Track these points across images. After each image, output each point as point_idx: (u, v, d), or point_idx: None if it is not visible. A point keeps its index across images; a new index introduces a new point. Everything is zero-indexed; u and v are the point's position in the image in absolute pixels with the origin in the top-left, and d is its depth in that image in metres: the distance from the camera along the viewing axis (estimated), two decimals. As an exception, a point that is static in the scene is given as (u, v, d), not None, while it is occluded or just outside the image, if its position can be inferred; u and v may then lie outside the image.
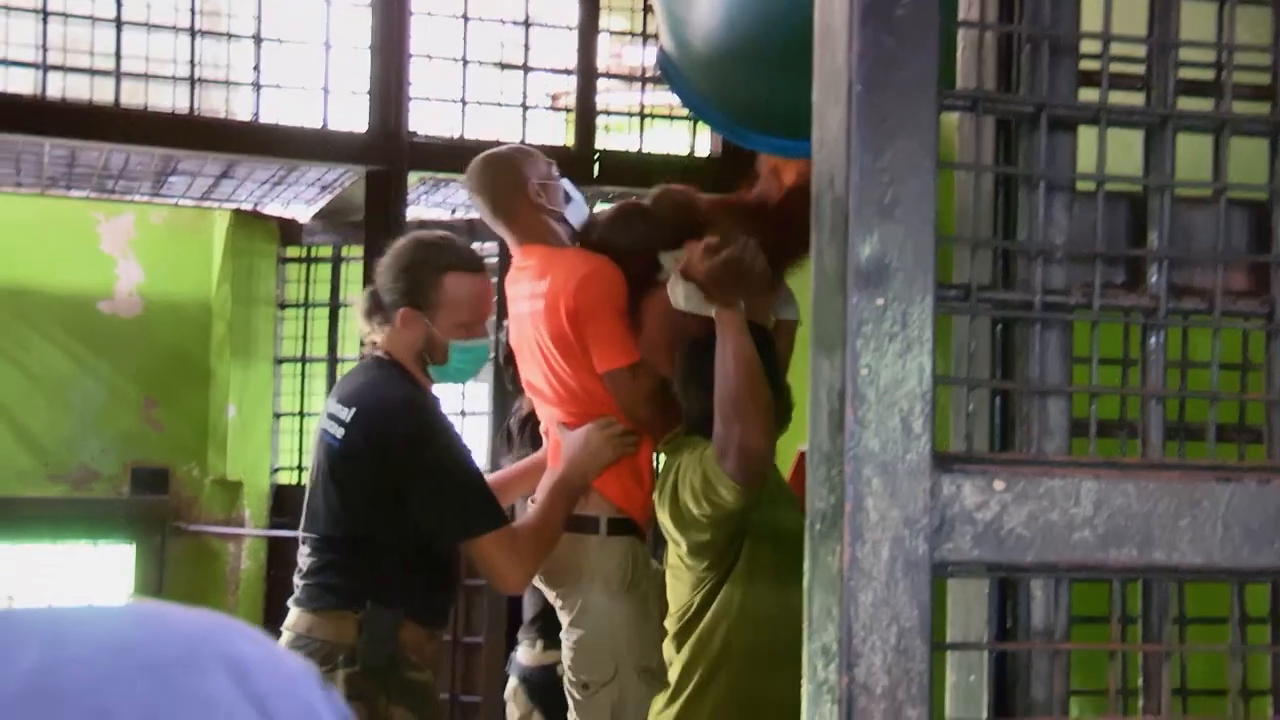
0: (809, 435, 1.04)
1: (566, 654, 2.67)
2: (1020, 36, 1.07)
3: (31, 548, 4.82)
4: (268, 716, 0.64)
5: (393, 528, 2.43)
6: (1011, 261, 1.06)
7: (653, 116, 4.41)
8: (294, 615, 2.47)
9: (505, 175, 2.67)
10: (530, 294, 2.64)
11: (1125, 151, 1.09)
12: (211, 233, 5.05)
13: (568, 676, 2.68)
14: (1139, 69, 1.13)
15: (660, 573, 2.59)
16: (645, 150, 4.33)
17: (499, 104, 4.22)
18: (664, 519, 2.41)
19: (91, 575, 4.73)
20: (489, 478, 2.73)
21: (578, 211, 2.74)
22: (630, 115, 4.47)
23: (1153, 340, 1.05)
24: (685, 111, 3.54)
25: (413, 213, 4.28)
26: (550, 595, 2.71)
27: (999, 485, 0.98)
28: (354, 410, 2.47)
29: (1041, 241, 1.03)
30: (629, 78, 4.57)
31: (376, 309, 2.55)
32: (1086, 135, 1.08)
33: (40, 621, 0.68)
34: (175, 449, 4.90)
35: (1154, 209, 1.05)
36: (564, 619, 2.69)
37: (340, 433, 2.46)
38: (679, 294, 2.33)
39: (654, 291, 2.54)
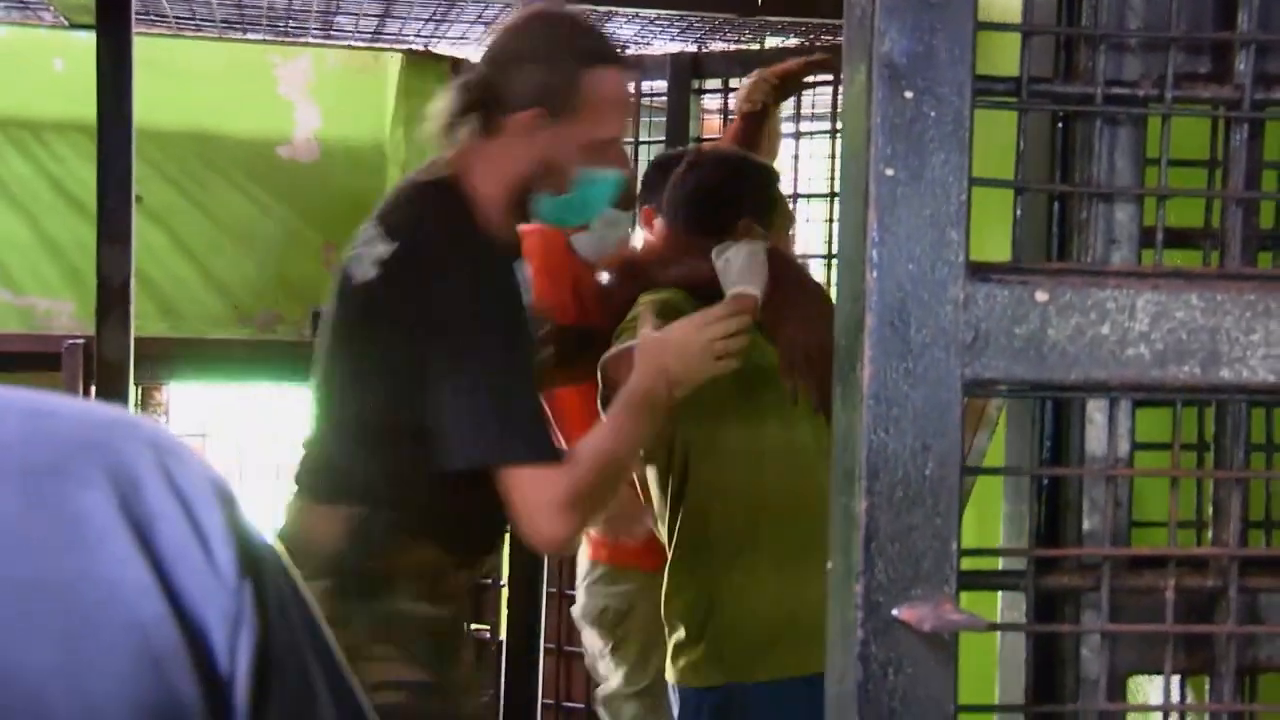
0: (839, 243, 1.00)
1: None
2: None
3: (221, 388, 5.14)
4: (145, 542, 0.55)
5: (414, 412, 1.88)
6: (1075, 51, 0.98)
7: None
8: (286, 502, 2.08)
9: None
10: None
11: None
12: (385, 75, 5.15)
13: None
14: None
15: None
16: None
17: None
18: None
19: (277, 416, 5.03)
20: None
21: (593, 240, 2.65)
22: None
23: (1236, 137, 0.96)
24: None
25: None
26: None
27: (1041, 296, 0.93)
28: (396, 246, 1.92)
29: (1108, 25, 0.95)
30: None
31: (474, 108, 1.95)
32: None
33: None
34: (353, 293, 5.09)
35: (1244, -16, 0.95)
36: None
37: (372, 273, 1.93)
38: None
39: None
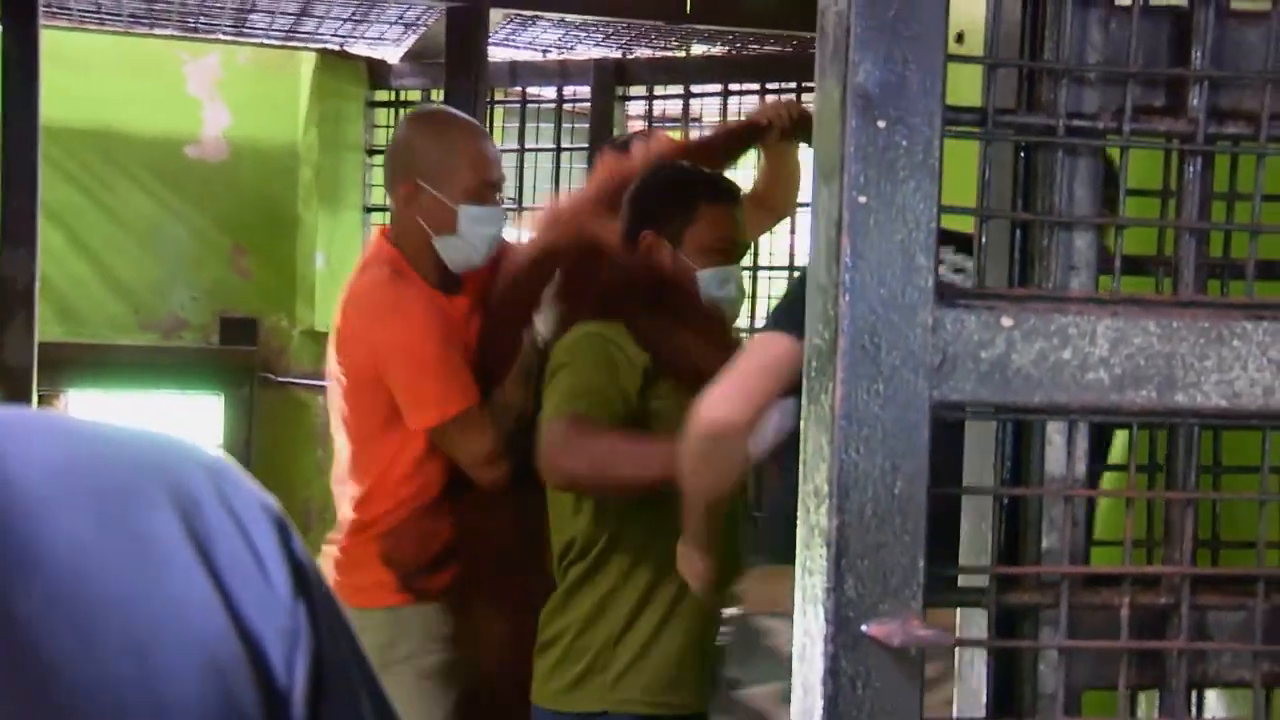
0: (809, 269, 1.04)
1: None
2: None
3: (122, 396, 5.07)
4: (207, 560, 0.59)
5: None
6: (1038, 84, 1.03)
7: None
8: None
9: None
10: None
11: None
12: (298, 74, 5.12)
13: None
14: None
15: None
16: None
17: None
18: None
19: (180, 425, 4.96)
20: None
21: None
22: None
23: (1190, 169, 1.02)
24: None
25: (499, 53, 4.29)
26: None
27: (1006, 321, 0.97)
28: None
29: (1069, 60, 1.00)
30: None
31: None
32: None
33: None
34: (264, 298, 5.05)
35: (1199, 23, 1.01)
36: None
37: None
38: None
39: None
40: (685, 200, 2.47)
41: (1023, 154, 1.06)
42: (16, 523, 0.56)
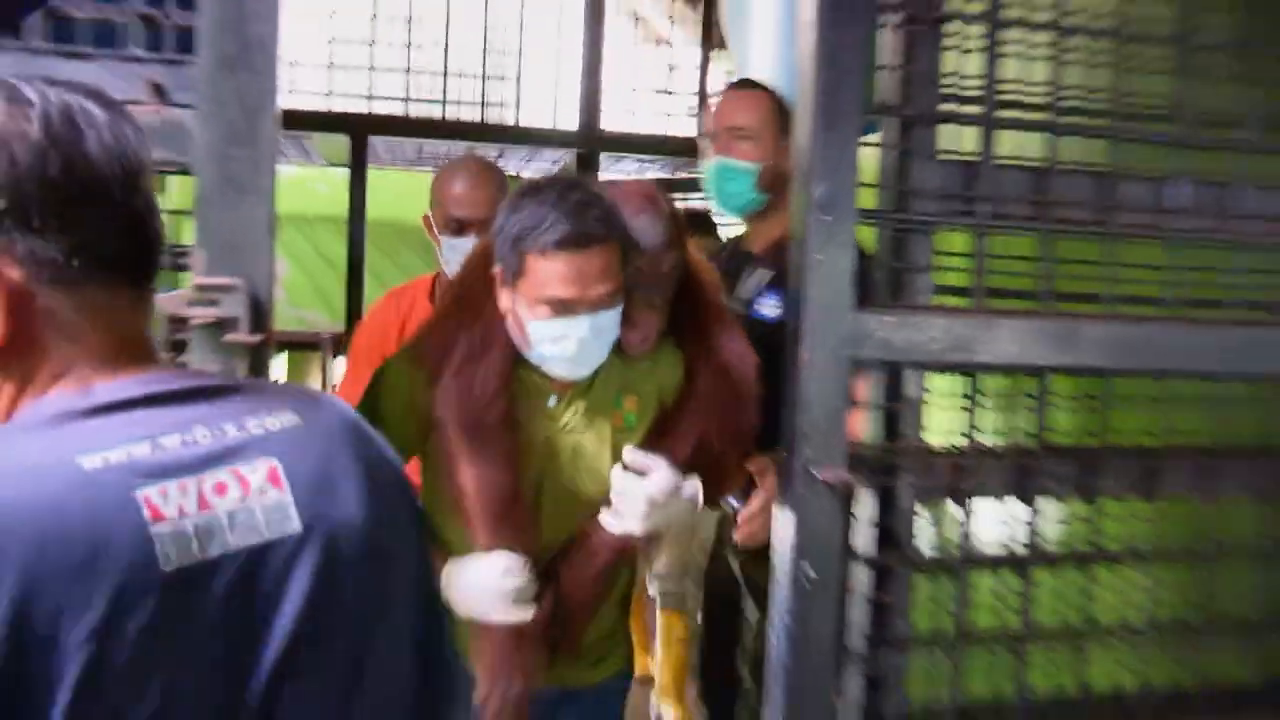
0: (789, 288, 2.03)
1: None
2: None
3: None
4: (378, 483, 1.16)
5: None
6: (905, 197, 2.04)
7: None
8: None
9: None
10: None
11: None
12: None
13: None
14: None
15: None
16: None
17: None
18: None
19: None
20: None
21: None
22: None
23: (979, 241, 2.04)
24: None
25: (603, 177, 5.75)
26: None
27: (890, 320, 1.97)
28: None
29: (916, 185, 2.02)
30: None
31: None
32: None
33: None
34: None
35: (982, 168, 2.03)
36: None
37: None
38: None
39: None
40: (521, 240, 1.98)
41: (895, 233, 2.06)
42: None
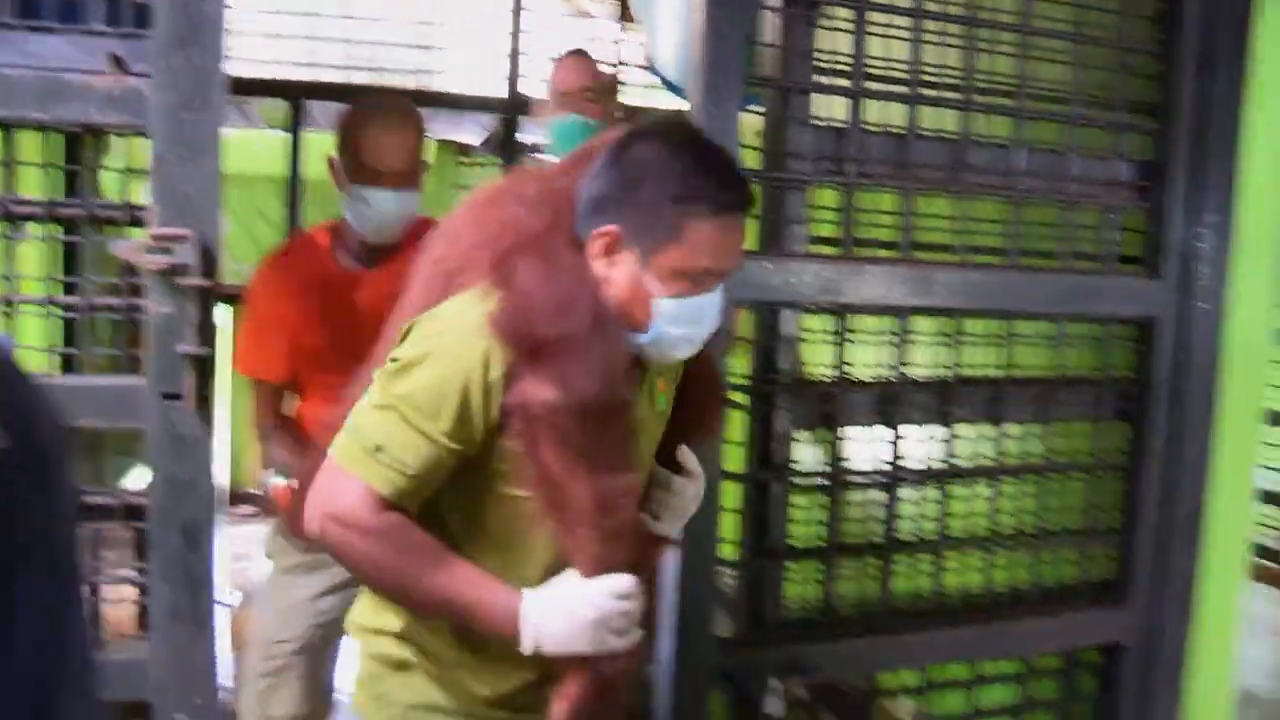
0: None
1: None
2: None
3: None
4: None
5: None
6: (782, 161, 2.32)
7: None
8: None
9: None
10: None
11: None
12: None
13: None
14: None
15: None
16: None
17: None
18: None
19: None
20: None
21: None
22: None
23: (846, 197, 2.32)
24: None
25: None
26: None
27: (768, 265, 2.25)
28: None
29: (790, 148, 2.30)
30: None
31: None
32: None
33: None
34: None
35: (850, 132, 2.31)
36: None
37: None
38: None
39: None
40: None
41: (773, 190, 2.34)
42: None
